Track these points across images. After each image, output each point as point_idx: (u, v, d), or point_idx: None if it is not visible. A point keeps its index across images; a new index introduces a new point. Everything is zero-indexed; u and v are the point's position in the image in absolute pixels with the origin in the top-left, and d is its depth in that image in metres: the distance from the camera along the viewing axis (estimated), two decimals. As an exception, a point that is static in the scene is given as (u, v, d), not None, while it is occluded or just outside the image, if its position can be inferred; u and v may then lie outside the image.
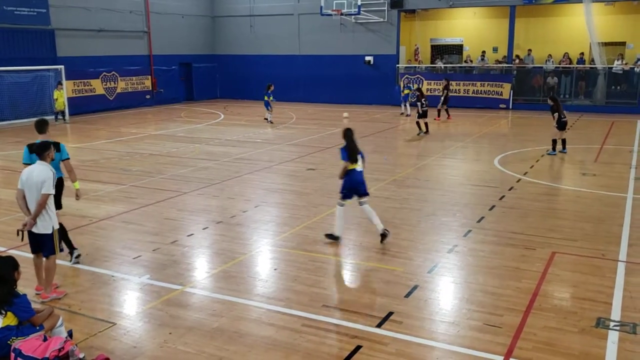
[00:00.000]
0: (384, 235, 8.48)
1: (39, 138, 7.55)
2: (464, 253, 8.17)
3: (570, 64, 27.54)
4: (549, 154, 15.54)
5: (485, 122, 23.26)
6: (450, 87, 25.07)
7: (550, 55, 27.88)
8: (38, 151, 6.63)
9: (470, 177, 13.29)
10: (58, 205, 7.51)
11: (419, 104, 19.56)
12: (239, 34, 33.90)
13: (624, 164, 14.24)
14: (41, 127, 7.58)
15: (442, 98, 23.41)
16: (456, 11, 30.11)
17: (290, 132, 20.67)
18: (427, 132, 19.66)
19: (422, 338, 5.74)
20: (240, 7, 33.42)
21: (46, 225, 6.56)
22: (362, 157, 8.58)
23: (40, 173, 6.45)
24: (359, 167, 8.49)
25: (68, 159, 7.69)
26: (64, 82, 24.50)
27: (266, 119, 23.38)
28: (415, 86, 20.98)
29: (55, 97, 23.68)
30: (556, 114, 15.29)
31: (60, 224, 7.52)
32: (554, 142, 15.66)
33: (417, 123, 19.65)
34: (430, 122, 20.26)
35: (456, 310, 6.40)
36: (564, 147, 15.70)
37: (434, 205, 10.77)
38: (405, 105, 25.60)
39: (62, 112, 23.91)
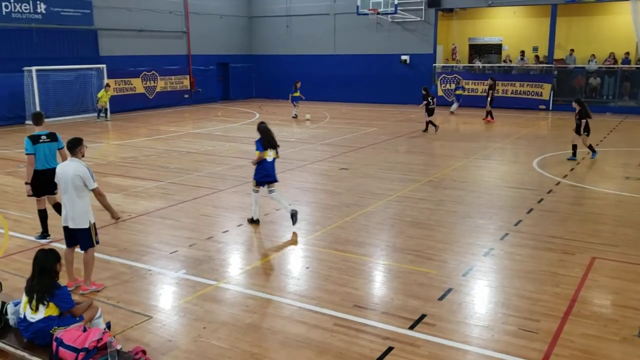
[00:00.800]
0: (293, 216, 9.09)
1: (36, 130, 8.33)
2: (500, 256, 8.04)
3: (615, 64, 26.78)
4: (592, 157, 14.86)
5: (524, 123, 22.83)
6: (496, 88, 24.72)
7: (593, 55, 27.16)
8: (69, 147, 6.74)
9: (508, 179, 13.07)
10: (38, 193, 8.35)
11: (425, 102, 19.86)
12: (275, 34, 34.13)
13: (669, 168, 13.78)
14: (37, 119, 8.55)
15: (489, 99, 23.04)
16: (495, 10, 29.64)
17: (323, 132, 20.70)
18: (436, 129, 19.87)
19: (455, 341, 5.67)
20: (277, 7, 33.64)
21: (83, 219, 6.67)
22: (277, 148, 9.50)
23: (75, 169, 6.55)
24: (269, 157, 9.34)
25: (63, 147, 8.27)
26: (106, 80, 25.11)
27: (295, 116, 24.43)
28: (424, 87, 20.93)
29: (99, 95, 24.10)
30: (584, 121, 14.52)
31: (44, 210, 8.48)
32: (590, 147, 14.90)
33: (428, 122, 19.96)
34: (463, 121, 20.13)
35: (491, 314, 6.31)
36: (574, 154, 14.95)
37: (470, 207, 10.64)
38: (455, 104, 26.09)
39: (105, 110, 24.29)
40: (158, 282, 7.27)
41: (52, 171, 7.21)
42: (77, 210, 6.62)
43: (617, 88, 26.56)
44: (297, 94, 24.52)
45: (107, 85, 24.34)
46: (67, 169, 6.62)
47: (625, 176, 13.28)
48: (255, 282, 7.20)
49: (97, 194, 6.72)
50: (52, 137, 8.42)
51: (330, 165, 14.65)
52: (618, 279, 7.24)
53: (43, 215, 8.64)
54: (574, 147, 14.82)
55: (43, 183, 8.29)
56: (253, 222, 9.57)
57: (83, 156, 6.82)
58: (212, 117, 25.90)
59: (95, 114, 24.25)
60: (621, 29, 26.73)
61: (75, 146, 6.71)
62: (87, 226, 6.71)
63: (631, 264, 7.74)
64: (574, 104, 14.88)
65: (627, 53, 26.70)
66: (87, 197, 6.71)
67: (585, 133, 14.59)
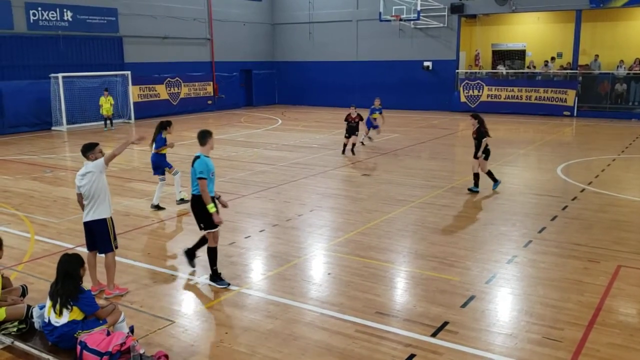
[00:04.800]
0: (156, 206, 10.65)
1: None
2: (524, 264, 7.94)
3: (641, 69, 26.35)
4: (493, 188, 12.17)
5: (548, 129, 22.56)
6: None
7: (622, 61, 26.68)
8: (82, 151, 6.82)
9: (532, 186, 12.92)
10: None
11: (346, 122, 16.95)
12: (298, 41, 34.30)
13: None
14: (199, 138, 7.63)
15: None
16: (519, 16, 29.39)
17: (347, 138, 20.66)
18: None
19: (478, 349, 5.62)
20: (300, 14, 33.81)
21: (103, 210, 6.73)
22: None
23: (86, 169, 6.67)
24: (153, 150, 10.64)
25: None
26: (130, 87, 25.50)
27: (366, 139, 18.87)
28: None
29: (100, 103, 23.43)
30: (485, 140, 11.76)
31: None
32: (488, 174, 12.15)
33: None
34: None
35: (514, 322, 6.23)
36: (476, 184, 12.12)
37: (493, 214, 10.54)
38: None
39: (110, 119, 23.74)
40: (181, 287, 7.34)
41: (193, 197, 7.16)
42: (100, 200, 6.69)
43: (644, 94, 26.10)
44: (376, 115, 18.71)
45: (106, 90, 23.58)
46: (81, 174, 6.72)
47: (653, 183, 13.04)
48: (277, 288, 7.22)
49: (107, 159, 6.66)
50: (194, 161, 7.18)
51: (352, 171, 14.65)
52: (645, 288, 7.11)
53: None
54: (476, 175, 12.07)
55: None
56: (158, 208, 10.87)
57: (96, 160, 6.82)
58: (235, 123, 26.09)
59: (103, 123, 23.79)
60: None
61: (87, 151, 6.79)
62: (104, 216, 6.73)
63: (659, 273, 7.58)
64: (471, 120, 12.04)
65: (654, 58, 26.25)
66: (107, 189, 6.77)
67: (484, 156, 11.87)
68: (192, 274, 7.67)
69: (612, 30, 27.78)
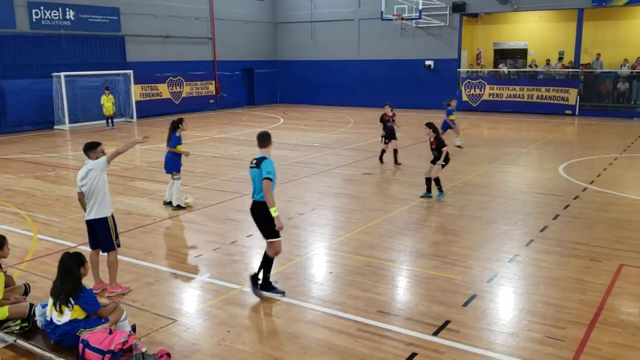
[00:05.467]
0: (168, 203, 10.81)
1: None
2: (526, 263, 7.94)
3: (643, 68, 26.32)
4: (438, 197, 11.47)
5: (550, 128, 22.54)
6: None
7: (626, 60, 26.59)
8: (84, 150, 6.85)
9: (534, 185, 12.91)
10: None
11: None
12: (300, 40, 34.31)
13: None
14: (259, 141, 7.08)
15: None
16: (520, 15, 29.36)
17: (347, 137, 20.71)
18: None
19: (479, 348, 5.62)
20: (302, 13, 33.82)
21: (104, 208, 6.75)
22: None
23: (87, 167, 6.70)
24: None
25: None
26: (132, 86, 25.52)
27: (458, 140, 17.75)
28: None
29: (101, 102, 23.48)
30: (446, 148, 11.29)
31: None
32: (437, 181, 11.51)
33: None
34: (488, 126, 19.78)
35: (516, 321, 6.24)
36: (429, 189, 11.57)
37: (495, 213, 10.53)
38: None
39: (112, 118, 23.67)
40: (183, 285, 7.35)
41: (255, 203, 6.72)
42: (100, 199, 6.70)
43: (646, 93, 26.07)
44: (453, 116, 17.74)
45: (107, 88, 23.58)
46: (82, 172, 6.75)
47: (655, 182, 13.03)
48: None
49: (110, 157, 6.69)
50: (258, 162, 6.71)
51: (354, 170, 14.65)
52: (647, 287, 7.11)
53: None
54: (429, 180, 11.53)
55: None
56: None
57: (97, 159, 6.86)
58: (237, 122, 26.11)
59: (105, 122, 23.73)
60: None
61: (89, 149, 6.81)
62: (105, 215, 6.75)
63: (661, 272, 7.58)
64: (426, 129, 11.39)
65: (656, 57, 26.21)
66: (106, 189, 6.78)
67: (444, 163, 11.34)
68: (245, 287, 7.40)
69: (614, 29, 27.74)
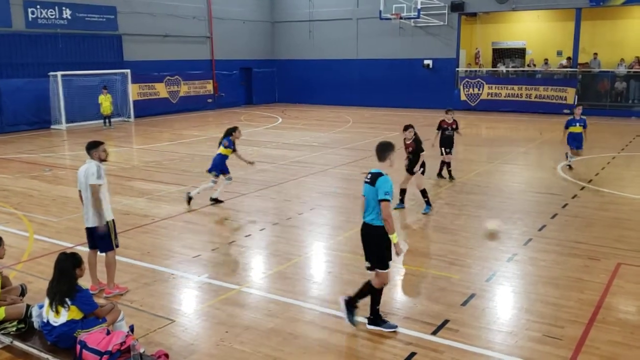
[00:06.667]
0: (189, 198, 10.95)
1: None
2: (524, 262, 7.94)
3: (640, 67, 26.34)
4: (425, 211, 10.46)
5: (548, 127, 22.53)
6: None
7: (622, 60, 26.62)
8: (86, 148, 6.83)
9: (532, 184, 12.91)
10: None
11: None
12: (298, 39, 34.28)
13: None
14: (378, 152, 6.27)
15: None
16: (519, 14, 29.37)
17: (346, 136, 20.69)
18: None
19: (478, 347, 5.62)
20: (300, 12, 33.79)
21: (100, 217, 6.70)
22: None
23: (87, 169, 6.66)
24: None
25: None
26: (130, 85, 25.46)
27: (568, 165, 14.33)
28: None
29: (99, 101, 23.46)
30: (423, 154, 10.42)
31: None
32: (423, 193, 10.52)
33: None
34: (486, 125, 19.76)
35: (515, 320, 6.23)
36: (402, 200, 10.75)
37: (494, 212, 10.52)
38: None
39: (109, 117, 23.72)
40: (181, 286, 7.33)
41: (366, 226, 5.98)
42: (95, 208, 6.64)
43: (644, 92, 26.08)
44: (579, 128, 13.92)
45: (104, 88, 23.59)
46: (81, 171, 6.73)
47: (653, 181, 13.03)
48: (277, 287, 7.21)
49: (93, 191, 6.57)
50: (373, 179, 5.90)
51: (353, 169, 14.63)
52: (646, 286, 7.10)
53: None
54: (403, 192, 10.71)
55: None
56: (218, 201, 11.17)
57: (102, 160, 6.82)
58: (235, 121, 25.98)
59: (102, 122, 23.78)
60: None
61: (91, 148, 6.79)
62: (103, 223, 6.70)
63: (659, 271, 7.58)
64: (407, 133, 10.46)
65: (654, 56, 26.22)
66: (103, 195, 6.72)
67: (422, 170, 10.51)
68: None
69: (612, 28, 27.77)
